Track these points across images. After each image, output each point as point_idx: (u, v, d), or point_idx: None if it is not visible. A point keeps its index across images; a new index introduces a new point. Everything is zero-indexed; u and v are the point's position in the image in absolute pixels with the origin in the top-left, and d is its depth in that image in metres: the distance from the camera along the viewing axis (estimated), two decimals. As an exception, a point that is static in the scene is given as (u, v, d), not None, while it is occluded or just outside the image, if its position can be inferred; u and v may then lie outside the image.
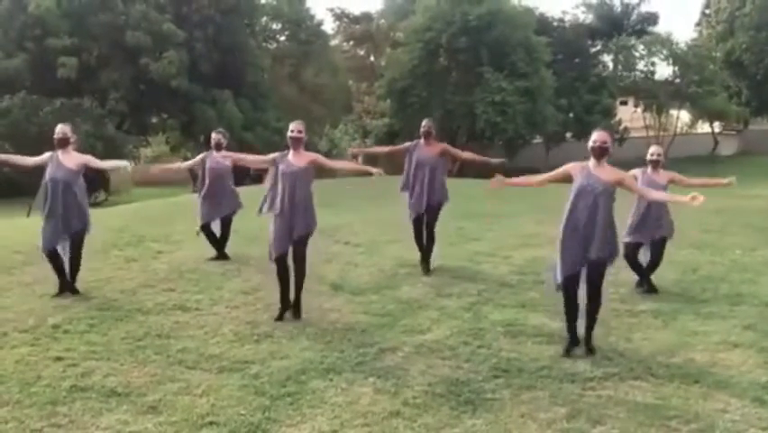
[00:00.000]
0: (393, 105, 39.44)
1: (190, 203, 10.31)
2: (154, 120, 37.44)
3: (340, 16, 48.95)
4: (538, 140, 42.23)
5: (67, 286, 7.26)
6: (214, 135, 9.18)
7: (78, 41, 30.62)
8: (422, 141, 8.51)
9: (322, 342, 6.05)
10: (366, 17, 48.43)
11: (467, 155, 9.34)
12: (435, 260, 8.55)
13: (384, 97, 40.61)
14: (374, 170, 6.96)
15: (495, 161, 9.23)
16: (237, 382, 5.16)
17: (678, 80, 44.94)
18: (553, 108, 38.27)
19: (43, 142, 26.35)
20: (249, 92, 35.39)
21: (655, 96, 44.02)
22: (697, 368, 5.57)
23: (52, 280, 7.55)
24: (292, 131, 6.76)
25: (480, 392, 5.04)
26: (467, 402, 4.87)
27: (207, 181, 8.97)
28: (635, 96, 46.33)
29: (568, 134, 44.03)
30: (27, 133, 25.80)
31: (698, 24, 53.58)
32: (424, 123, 8.59)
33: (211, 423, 4.50)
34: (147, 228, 11.00)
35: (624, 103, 47.64)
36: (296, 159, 6.73)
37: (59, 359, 5.49)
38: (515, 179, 6.29)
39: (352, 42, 48.50)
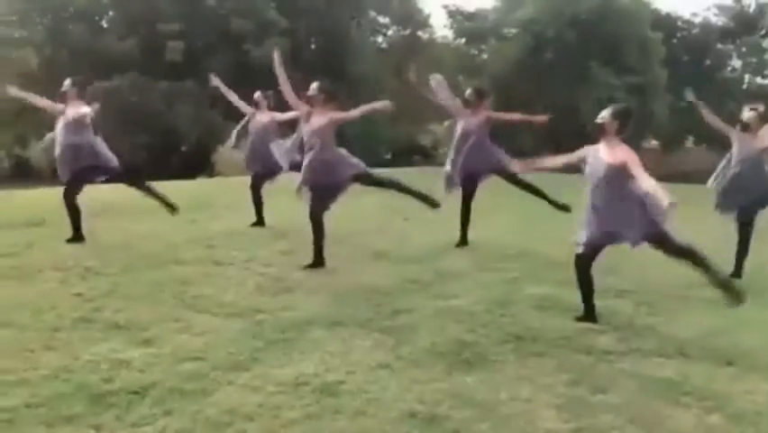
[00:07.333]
0: (495, 101, 38.58)
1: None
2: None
3: (454, 13, 48.54)
4: (654, 144, 40.05)
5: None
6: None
7: (186, 27, 31.80)
8: None
9: (340, 299, 5.90)
10: (480, 14, 47.74)
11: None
12: None
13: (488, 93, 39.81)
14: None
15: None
16: (239, 326, 5.10)
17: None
18: (666, 109, 36.27)
19: (149, 121, 27.63)
20: (352, 83, 35.61)
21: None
22: (736, 352, 5.01)
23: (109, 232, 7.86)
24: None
25: (483, 354, 4.73)
26: (464, 362, 4.58)
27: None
28: (766, 101, 43.20)
29: (689, 139, 41.66)
30: (135, 113, 27.10)
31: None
32: None
33: (196, 358, 4.44)
34: (219, 196, 11.22)
35: (753, 109, 44.55)
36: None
37: (79, 294, 5.63)
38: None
39: (464, 40, 47.93)
